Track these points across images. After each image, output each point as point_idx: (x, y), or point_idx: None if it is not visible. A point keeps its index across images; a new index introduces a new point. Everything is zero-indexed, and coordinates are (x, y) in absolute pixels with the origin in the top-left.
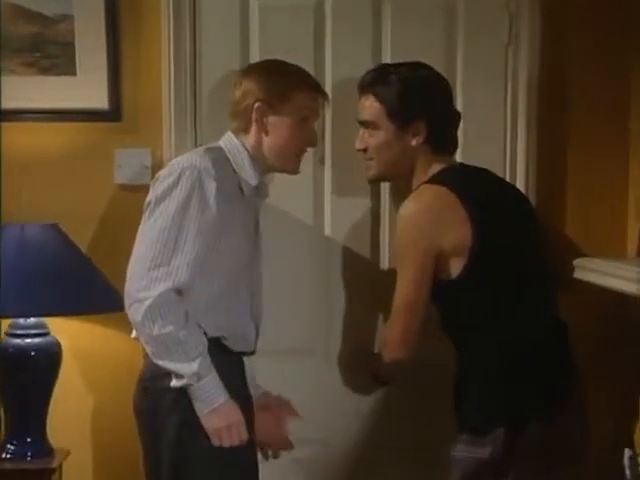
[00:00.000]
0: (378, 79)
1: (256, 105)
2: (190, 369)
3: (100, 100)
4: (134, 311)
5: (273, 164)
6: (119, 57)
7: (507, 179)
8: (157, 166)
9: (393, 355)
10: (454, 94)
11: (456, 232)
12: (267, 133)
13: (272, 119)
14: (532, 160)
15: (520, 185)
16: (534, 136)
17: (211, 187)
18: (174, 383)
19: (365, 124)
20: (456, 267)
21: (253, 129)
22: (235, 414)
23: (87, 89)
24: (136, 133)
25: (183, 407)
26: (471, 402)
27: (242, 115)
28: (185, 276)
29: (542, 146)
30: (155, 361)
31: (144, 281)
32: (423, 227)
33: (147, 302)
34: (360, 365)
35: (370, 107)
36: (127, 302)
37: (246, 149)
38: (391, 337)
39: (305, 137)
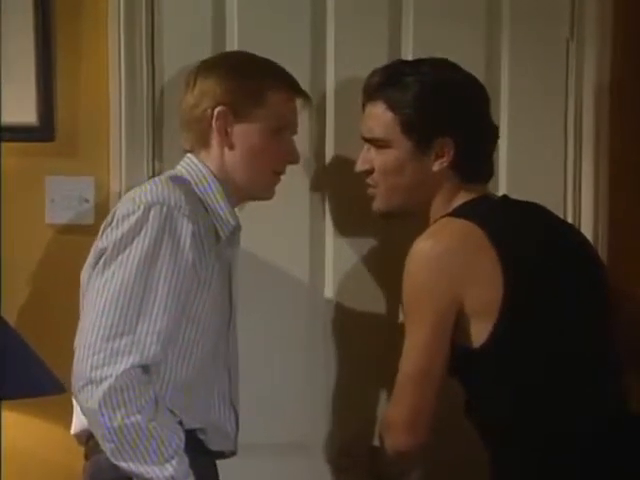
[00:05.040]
0: (390, 81)
1: (217, 110)
2: (163, 473)
3: (26, 113)
4: (88, 395)
5: (242, 187)
6: (52, 56)
7: None
8: (102, 200)
9: (397, 442)
10: (496, 107)
11: (482, 284)
12: (232, 146)
13: (238, 128)
14: (603, 199)
15: (585, 233)
16: (605, 165)
17: (186, 230)
18: None
19: (372, 140)
20: (479, 333)
21: (214, 142)
22: None
23: (10, 98)
24: (74, 156)
25: None
26: None
27: (198, 125)
28: (155, 348)
29: (616, 179)
30: (116, 462)
31: (101, 355)
32: (440, 272)
33: (106, 383)
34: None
35: (380, 117)
36: (77, 383)
37: (216, 176)
38: (395, 418)
39: (282, 151)
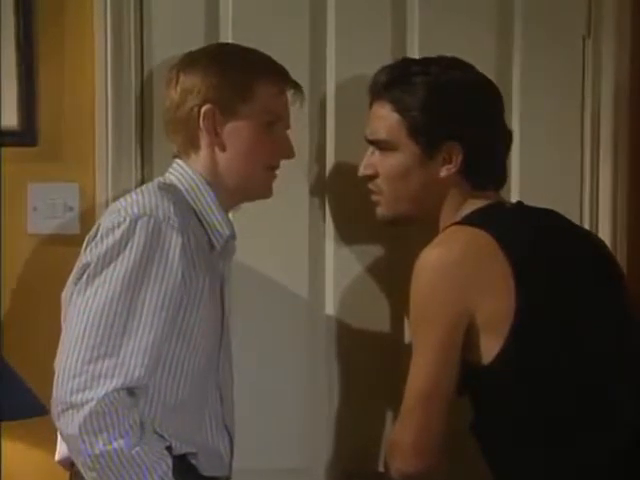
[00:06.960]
0: (397, 80)
1: (204, 109)
2: None
3: (7, 116)
4: (68, 420)
5: (237, 188)
6: (34, 55)
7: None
8: (88, 208)
9: (405, 465)
10: (509, 108)
11: (494, 296)
12: (223, 147)
13: (228, 127)
14: (621, 204)
15: (603, 238)
16: (624, 168)
17: (174, 243)
18: None
19: (377, 143)
20: (489, 348)
21: (203, 143)
22: None
23: None
24: (58, 161)
25: None
26: None
27: (185, 125)
28: (140, 370)
29: (635, 183)
30: None
31: (82, 378)
32: (450, 283)
33: (87, 408)
34: None
35: (385, 118)
36: (57, 408)
37: (207, 182)
38: (401, 441)
39: (275, 145)
